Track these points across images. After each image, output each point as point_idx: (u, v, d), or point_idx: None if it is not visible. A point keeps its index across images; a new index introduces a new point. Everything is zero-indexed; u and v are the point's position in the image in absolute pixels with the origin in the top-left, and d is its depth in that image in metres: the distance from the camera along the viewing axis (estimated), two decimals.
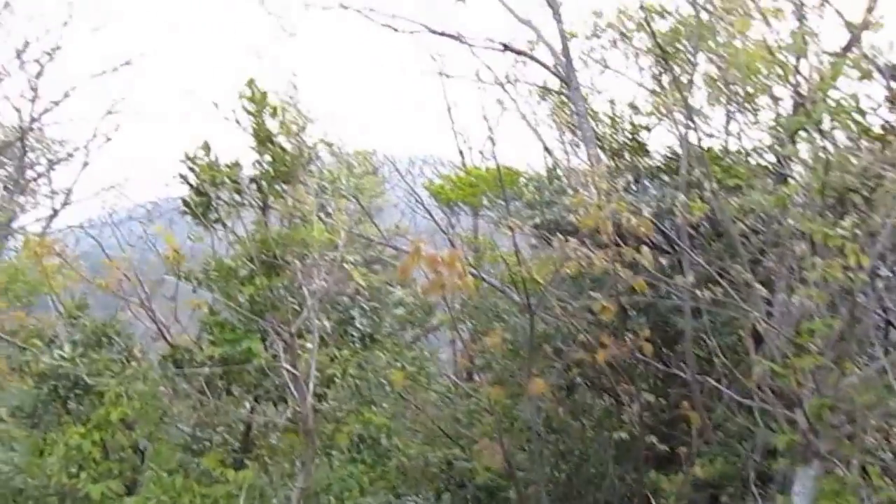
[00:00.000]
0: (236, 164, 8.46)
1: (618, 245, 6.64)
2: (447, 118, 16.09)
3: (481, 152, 15.90)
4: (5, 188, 15.84)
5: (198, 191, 8.37)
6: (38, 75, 13.86)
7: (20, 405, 8.22)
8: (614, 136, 12.08)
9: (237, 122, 8.31)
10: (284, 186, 8.58)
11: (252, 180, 8.53)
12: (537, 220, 10.01)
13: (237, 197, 8.49)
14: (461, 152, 16.55)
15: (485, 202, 13.90)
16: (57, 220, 17.03)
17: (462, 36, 11.80)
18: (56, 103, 13.87)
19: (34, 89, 13.85)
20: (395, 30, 11.79)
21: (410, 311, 11.38)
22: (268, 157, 8.50)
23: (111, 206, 18.17)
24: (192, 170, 8.34)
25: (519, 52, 11.99)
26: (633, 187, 10.13)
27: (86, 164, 16.37)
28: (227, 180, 8.36)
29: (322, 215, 9.04)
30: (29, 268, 10.83)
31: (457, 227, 15.24)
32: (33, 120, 13.90)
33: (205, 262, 8.53)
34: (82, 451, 7.32)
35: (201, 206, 8.36)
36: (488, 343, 7.85)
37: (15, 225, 16.64)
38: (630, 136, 12.05)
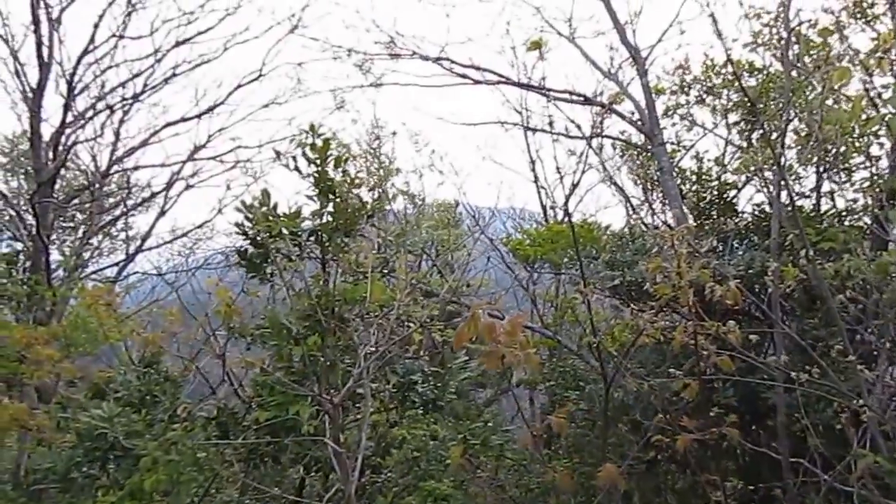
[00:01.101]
0: (296, 215, 7.91)
1: (700, 317, 5.78)
2: (530, 171, 15.57)
3: (564, 207, 15.25)
4: (83, 232, 15.86)
5: (254, 241, 7.86)
6: (122, 121, 13.84)
7: (53, 467, 7.60)
8: (701, 193, 11.23)
9: (297, 170, 7.79)
10: (346, 240, 8.05)
11: (312, 232, 7.98)
12: (617, 282, 9.21)
13: (295, 249, 7.94)
14: (543, 206, 15.92)
15: (566, 259, 13.21)
16: (134, 265, 17.00)
17: (544, 88, 11.18)
18: (136, 149, 13.81)
19: (116, 133, 13.83)
20: (476, 81, 11.26)
21: (481, 372, 10.66)
22: (329, 209, 7.95)
23: (188, 253, 18.17)
24: (248, 219, 7.84)
25: (601, 106, 11.31)
26: (720, 249, 9.26)
27: (163, 211, 16.34)
28: (284, 231, 7.81)
29: (386, 270, 8.49)
30: (91, 316, 10.54)
31: (539, 284, 14.51)
32: (112, 164, 13.85)
33: (259, 318, 7.99)
34: None
35: (257, 258, 7.85)
36: (557, 416, 6.98)
37: (91, 270, 16.69)
38: (717, 195, 11.19)
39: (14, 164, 16.63)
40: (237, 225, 8.02)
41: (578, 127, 11.64)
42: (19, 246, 15.74)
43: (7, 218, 15.98)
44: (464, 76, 10.69)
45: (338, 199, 7.87)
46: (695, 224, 10.47)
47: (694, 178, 11.62)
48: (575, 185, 14.99)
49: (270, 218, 7.82)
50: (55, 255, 15.83)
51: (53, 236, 15.14)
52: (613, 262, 9.79)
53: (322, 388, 6.75)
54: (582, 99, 11.02)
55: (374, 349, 6.98)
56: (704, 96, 11.78)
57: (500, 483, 8.77)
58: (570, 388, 10.03)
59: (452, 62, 10.60)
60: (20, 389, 12.36)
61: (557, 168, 14.87)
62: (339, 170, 7.90)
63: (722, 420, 6.11)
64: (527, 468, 9.41)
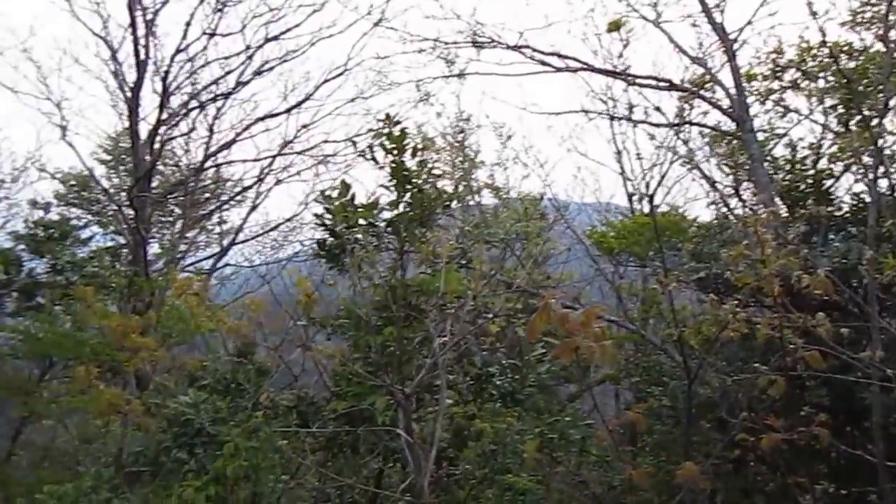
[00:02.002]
0: (373, 205, 7.80)
1: (787, 309, 5.36)
2: (615, 162, 15.13)
3: (650, 197, 14.74)
4: (180, 226, 16.24)
5: (332, 232, 7.80)
6: (215, 117, 14.09)
7: (144, 451, 7.73)
8: (794, 182, 10.62)
9: (374, 160, 7.68)
10: (423, 230, 7.90)
11: (389, 223, 7.86)
12: (702, 274, 8.77)
13: (372, 240, 7.85)
14: (630, 198, 15.45)
15: (652, 252, 12.75)
16: (227, 257, 17.31)
17: (628, 73, 10.75)
18: (228, 145, 14.01)
19: (209, 129, 14.07)
20: (558, 69, 10.90)
21: (564, 366, 10.36)
22: (406, 199, 7.81)
23: (279, 246, 18.41)
24: (327, 210, 7.79)
25: (688, 91, 10.81)
26: (813, 240, 8.71)
27: (255, 205, 16.59)
28: (362, 222, 7.72)
29: (463, 261, 8.32)
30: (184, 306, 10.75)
31: (625, 277, 14.07)
32: (206, 158, 14.10)
33: (337, 309, 7.94)
34: None
35: (336, 249, 7.79)
36: (634, 412, 6.65)
37: (188, 262, 17.09)
38: (811, 184, 10.56)
39: (116, 161, 17.21)
40: (317, 216, 7.99)
41: (664, 115, 11.14)
42: (122, 240, 16.29)
43: (110, 213, 16.55)
44: (545, 63, 10.37)
45: (415, 189, 7.73)
46: (787, 214, 9.89)
47: (787, 166, 11.02)
48: (662, 176, 14.46)
49: (348, 209, 7.76)
50: (155, 248, 16.34)
51: (153, 230, 15.55)
52: (699, 253, 9.35)
53: (395, 378, 6.61)
54: (667, 84, 10.55)
55: (448, 340, 6.81)
56: (799, 80, 11.13)
57: (582, 479, 8.47)
58: (653, 384, 9.64)
59: (534, 50, 10.30)
60: (124, 377, 12.76)
61: (638, 155, 14.35)
62: (416, 159, 7.75)
63: (812, 420, 5.68)
64: (610, 464, 9.08)
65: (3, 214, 14.61)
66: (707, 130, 11.95)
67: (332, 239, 7.83)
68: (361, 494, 7.61)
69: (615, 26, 7.21)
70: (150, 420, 8.55)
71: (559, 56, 10.41)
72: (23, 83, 13.85)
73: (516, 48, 10.31)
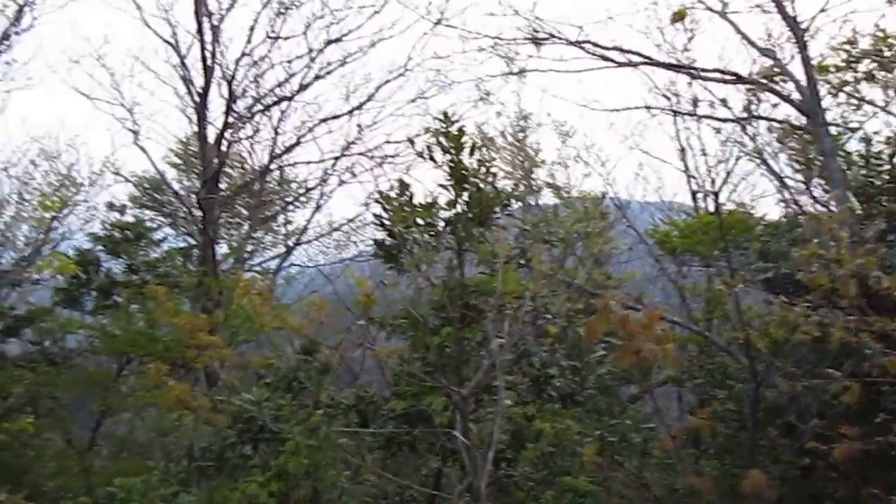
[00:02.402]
0: (431, 205, 7.63)
1: (864, 311, 4.98)
2: (679, 160, 14.63)
3: (715, 195, 14.21)
4: (249, 227, 16.38)
5: (391, 232, 7.66)
6: (279, 119, 14.13)
7: (210, 446, 7.76)
8: (869, 177, 10.05)
9: (432, 159, 7.51)
10: (481, 230, 7.70)
11: (447, 222, 7.68)
12: (770, 275, 8.35)
13: (431, 239, 7.68)
14: (693, 196, 14.94)
15: (717, 252, 12.27)
16: (292, 257, 17.39)
17: (693, 67, 10.31)
18: (292, 147, 14.03)
19: (274, 132, 14.13)
20: (620, 63, 10.52)
21: (624, 367, 10.03)
22: (464, 198, 7.62)
23: (343, 246, 18.44)
24: (385, 210, 7.65)
25: (756, 84, 10.31)
26: (891, 238, 8.19)
27: (318, 206, 16.61)
28: (420, 221, 7.56)
29: (522, 261, 8.08)
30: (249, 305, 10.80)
31: (688, 277, 13.60)
32: (271, 160, 14.16)
33: (396, 309, 7.81)
34: (257, 503, 6.67)
35: (394, 249, 7.65)
36: (699, 416, 6.35)
37: (255, 262, 17.23)
38: (889, 179, 9.97)
39: (186, 164, 17.46)
40: (375, 216, 7.87)
41: (730, 109, 10.64)
42: (193, 241, 16.52)
43: (181, 215, 16.79)
44: (606, 59, 10.04)
45: (473, 189, 7.54)
46: (862, 211, 9.35)
47: (862, 161, 10.45)
48: (728, 173, 13.91)
49: (406, 209, 7.61)
50: (223, 249, 16.52)
51: (221, 231, 15.71)
52: (766, 252, 8.90)
53: (452, 379, 6.44)
54: (734, 78, 10.08)
55: (506, 341, 6.61)
56: (874, 71, 10.53)
57: (643, 482, 8.17)
58: (717, 387, 9.23)
59: (594, 45, 9.98)
60: (195, 374, 12.92)
61: (704, 151, 13.83)
62: (475, 158, 7.56)
63: (889, 428, 5.29)
64: (672, 467, 8.74)
65: (82, 217, 14.95)
66: (776, 125, 11.42)
67: (390, 239, 7.70)
68: (420, 493, 7.47)
69: (679, 16, 6.89)
70: (217, 416, 8.60)
71: (621, 51, 10.06)
72: (98, 90, 14.09)
73: (576, 44, 10.00)
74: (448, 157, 7.52)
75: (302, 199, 17.02)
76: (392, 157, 14.13)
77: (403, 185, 7.81)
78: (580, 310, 9.28)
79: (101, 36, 18.92)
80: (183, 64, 13.11)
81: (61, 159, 13.87)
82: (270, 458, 7.20)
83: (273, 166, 14.66)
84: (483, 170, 7.60)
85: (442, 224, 7.68)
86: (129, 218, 16.05)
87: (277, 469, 7.00)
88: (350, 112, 13.90)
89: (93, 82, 14.28)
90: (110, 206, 16.07)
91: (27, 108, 25.42)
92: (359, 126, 13.95)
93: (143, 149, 13.70)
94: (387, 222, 7.73)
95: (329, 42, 13.23)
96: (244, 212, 17.07)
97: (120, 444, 15.13)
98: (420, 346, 7.26)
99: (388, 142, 14.07)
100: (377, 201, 7.84)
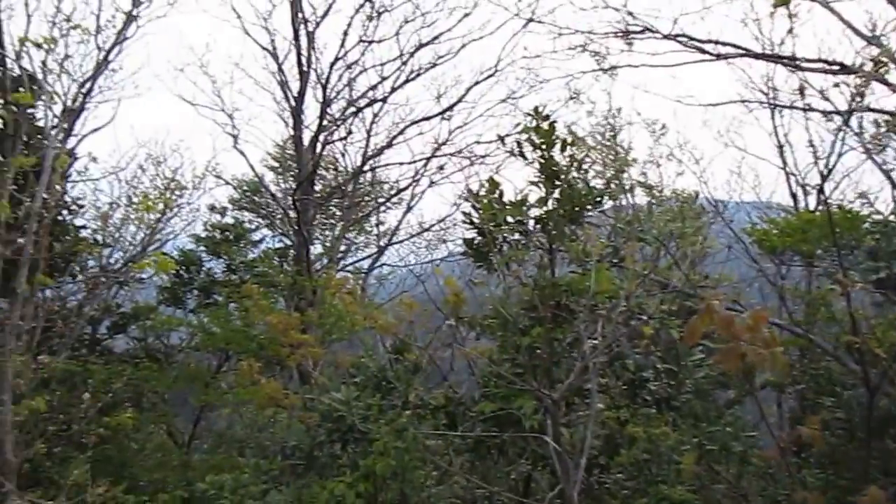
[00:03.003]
0: (521, 202, 7.32)
1: None
2: (777, 157, 13.86)
3: (819, 190, 13.39)
4: (342, 227, 16.42)
5: (480, 231, 7.38)
6: (372, 122, 14.15)
7: (299, 444, 7.64)
8: None
9: (522, 156, 7.20)
10: (573, 227, 7.35)
11: (538, 220, 7.35)
12: (882, 275, 7.68)
13: (521, 238, 7.37)
14: (793, 195, 14.14)
15: (820, 251, 11.50)
16: (384, 258, 17.39)
17: (793, 59, 9.64)
18: (384, 148, 14.03)
19: (367, 134, 14.16)
20: (717, 56, 9.91)
21: (722, 371, 9.45)
22: (555, 195, 7.27)
23: (433, 246, 18.33)
24: (475, 208, 7.38)
25: (863, 75, 9.56)
26: None
27: (409, 206, 16.54)
28: (510, 220, 7.25)
29: (615, 260, 7.69)
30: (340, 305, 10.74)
31: (787, 278, 12.84)
32: (364, 162, 14.17)
33: (486, 308, 7.52)
34: (345, 502, 6.49)
35: (483, 248, 7.37)
36: (810, 426, 5.81)
37: (347, 262, 17.29)
38: None
39: (282, 167, 17.67)
40: (465, 215, 7.62)
41: (832, 102, 9.91)
42: (289, 241, 16.68)
43: (278, 216, 16.97)
44: (702, 51, 9.47)
45: (564, 185, 7.19)
46: None
47: None
48: (830, 170, 13.07)
49: (496, 207, 7.32)
50: (318, 249, 16.60)
51: (315, 232, 15.79)
52: (877, 252, 8.21)
53: (542, 382, 6.10)
54: (838, 68, 9.37)
55: (599, 343, 6.24)
56: None
57: (743, 492, 7.62)
58: (823, 394, 8.56)
59: (689, 38, 9.45)
60: (289, 372, 12.98)
61: (810, 142, 12.99)
62: (566, 154, 7.22)
63: None
64: (774, 478, 8.15)
65: (185, 218, 15.24)
66: (885, 116, 10.59)
67: (480, 238, 7.43)
68: (508, 499, 7.15)
69: (782, 1, 6.38)
70: (308, 414, 8.50)
71: (717, 43, 9.50)
72: (200, 96, 14.42)
73: (671, 37, 9.48)
74: (539, 153, 7.22)
75: (393, 199, 16.99)
76: (482, 157, 13.94)
77: (493, 184, 7.54)
78: (674, 311, 8.79)
79: (204, 45, 19.45)
80: (280, 70, 13.26)
81: (166, 164, 14.16)
82: (358, 457, 7.02)
83: (366, 168, 14.65)
84: (575, 166, 7.26)
85: (532, 222, 7.38)
86: (228, 219, 16.32)
87: (365, 470, 6.81)
88: (441, 113, 13.79)
89: (196, 89, 14.61)
90: (211, 208, 16.37)
91: (135, 116, 26.31)
92: (457, 127, 13.79)
93: (242, 153, 13.91)
94: (476, 221, 7.47)
95: (420, 45, 13.13)
96: (337, 213, 17.15)
97: (218, 439, 15.33)
98: (510, 347, 6.94)
99: (478, 142, 13.89)
100: (467, 200, 7.60)
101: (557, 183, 7.22)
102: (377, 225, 18.15)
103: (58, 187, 9.43)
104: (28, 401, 7.24)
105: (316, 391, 8.07)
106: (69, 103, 10.78)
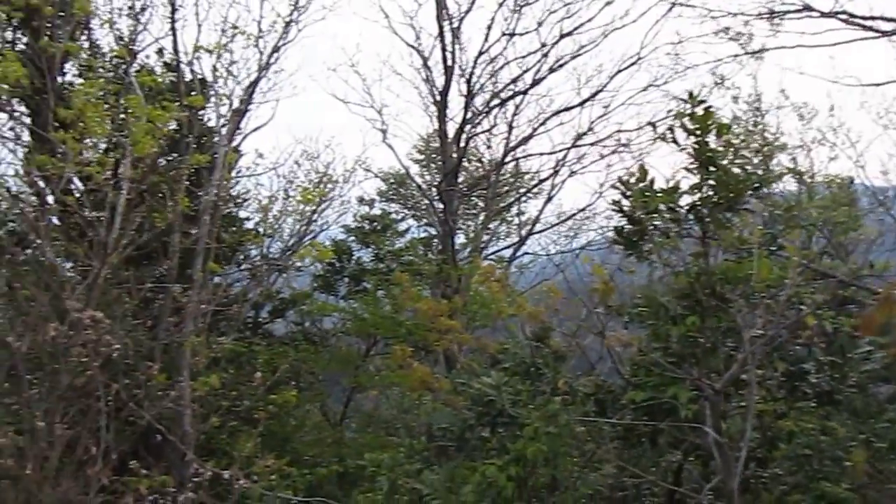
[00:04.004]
0: (673, 189, 6.98)
1: None
2: None
3: None
4: (485, 217, 16.44)
5: (630, 219, 7.11)
6: (514, 114, 14.06)
7: (450, 426, 7.67)
8: None
9: (675, 142, 6.87)
10: (728, 215, 6.95)
11: (691, 207, 7.00)
12: None
13: (673, 226, 7.04)
14: None
15: None
16: (525, 247, 17.24)
17: None
18: (526, 140, 13.90)
19: (509, 126, 14.07)
20: (884, 33, 9.06)
21: (885, 364, 8.75)
22: (710, 182, 6.90)
23: (573, 235, 18.02)
24: (625, 196, 7.11)
25: None
26: None
27: (550, 196, 16.31)
28: (662, 207, 6.94)
29: (773, 248, 7.22)
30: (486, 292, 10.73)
31: None
32: (506, 153, 14.11)
33: (636, 297, 7.25)
34: (496, 486, 6.43)
35: (634, 236, 7.10)
36: None
37: (490, 251, 17.28)
38: None
39: (428, 159, 17.88)
40: (614, 202, 7.37)
41: None
42: (434, 231, 16.88)
43: (423, 207, 17.20)
44: (867, 28, 8.69)
45: (719, 172, 6.81)
46: None
47: None
48: None
49: (647, 194, 7.03)
50: (461, 239, 16.71)
51: (459, 222, 15.89)
52: None
53: (701, 371, 5.80)
54: None
55: (760, 333, 5.87)
56: None
57: None
58: None
59: (850, 15, 8.72)
60: (434, 356, 13.13)
61: None
62: (722, 139, 6.82)
63: None
64: None
65: (337, 210, 15.74)
66: None
67: (630, 226, 7.17)
68: (659, 488, 6.88)
69: None
70: (456, 398, 8.53)
71: (884, 19, 8.70)
72: (351, 94, 14.78)
73: (830, 14, 8.78)
74: (693, 139, 6.87)
75: (535, 190, 16.85)
76: (625, 145, 13.55)
77: (643, 171, 7.26)
78: (826, 301, 8.20)
79: (355, 45, 19.97)
80: (426, 65, 13.41)
81: (320, 159, 14.66)
82: (507, 441, 6.95)
83: (508, 159, 14.59)
84: (731, 151, 6.86)
85: (685, 210, 7.04)
86: (376, 211, 16.71)
87: (515, 454, 6.72)
88: (582, 103, 13.55)
89: (347, 87, 15.01)
90: (361, 200, 16.82)
91: (292, 115, 27.36)
92: (598, 117, 13.46)
93: (390, 146, 14.23)
94: (626, 209, 7.22)
95: (562, 36, 12.90)
96: (480, 203, 17.18)
97: (367, 419, 15.76)
98: (662, 336, 6.65)
99: (620, 131, 13.50)
100: (615, 188, 7.35)
101: (712, 169, 6.85)
102: (518, 215, 18.07)
103: (226, 182, 9.88)
104: (204, 378, 7.63)
105: (465, 376, 8.06)
106: (235, 104, 11.30)
